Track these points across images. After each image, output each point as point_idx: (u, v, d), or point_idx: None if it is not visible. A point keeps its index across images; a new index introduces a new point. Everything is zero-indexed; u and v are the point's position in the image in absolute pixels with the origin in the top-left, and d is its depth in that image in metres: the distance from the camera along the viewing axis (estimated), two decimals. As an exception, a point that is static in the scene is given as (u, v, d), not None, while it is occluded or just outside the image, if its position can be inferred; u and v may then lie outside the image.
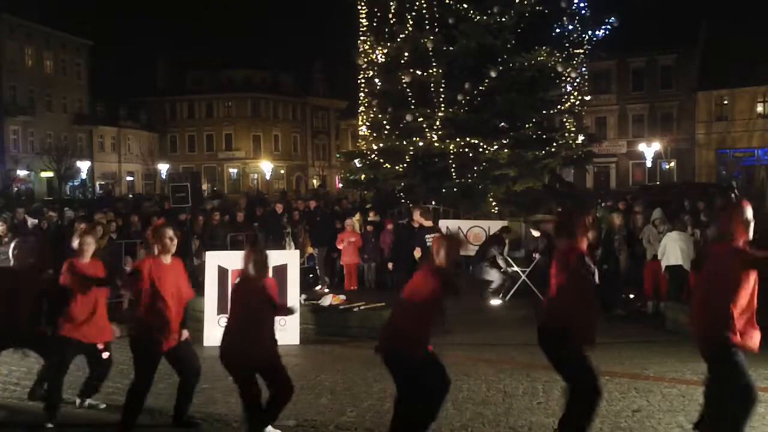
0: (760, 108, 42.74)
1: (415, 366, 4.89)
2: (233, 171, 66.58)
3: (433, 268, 5.04)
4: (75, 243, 6.01)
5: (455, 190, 16.31)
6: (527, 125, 16.73)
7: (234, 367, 5.29)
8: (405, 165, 17.01)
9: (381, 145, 17.59)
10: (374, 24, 17.51)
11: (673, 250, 10.50)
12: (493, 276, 12.09)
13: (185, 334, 5.59)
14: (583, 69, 18.02)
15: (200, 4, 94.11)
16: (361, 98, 18.49)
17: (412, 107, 16.68)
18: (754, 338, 4.49)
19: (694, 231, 11.07)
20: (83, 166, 51.06)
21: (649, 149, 41.68)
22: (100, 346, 6.06)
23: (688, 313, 5.18)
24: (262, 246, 5.74)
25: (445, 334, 5.84)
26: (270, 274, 6.01)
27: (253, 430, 5.26)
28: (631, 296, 11.50)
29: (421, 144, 16.71)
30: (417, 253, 10.28)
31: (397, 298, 5.28)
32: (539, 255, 12.03)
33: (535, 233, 12.70)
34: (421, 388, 4.92)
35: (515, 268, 12.51)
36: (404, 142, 16.89)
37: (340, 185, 34.80)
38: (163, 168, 57.70)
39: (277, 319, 8.96)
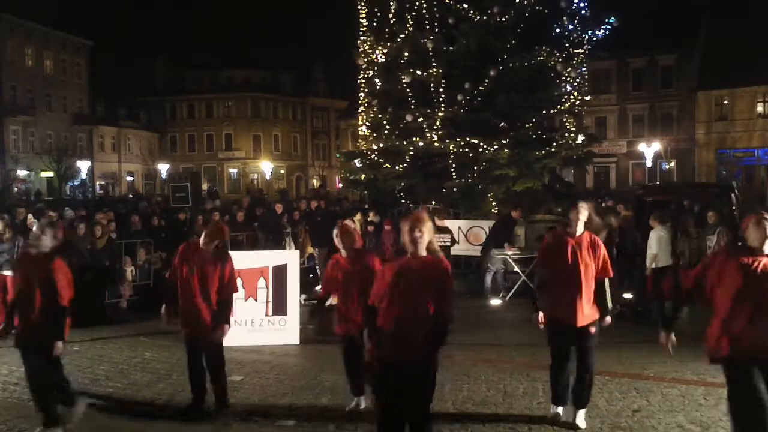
0: (760, 108, 42.73)
1: None
2: (233, 171, 66.62)
3: None
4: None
5: (455, 190, 16.30)
6: (527, 125, 16.72)
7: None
8: (405, 165, 16.99)
9: (381, 145, 17.58)
10: (374, 24, 17.48)
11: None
12: (496, 264, 12.41)
13: (58, 345, 5.54)
14: (583, 69, 17.99)
15: (200, 4, 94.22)
16: (361, 98, 18.45)
17: (412, 107, 16.66)
18: None
19: (698, 231, 11.07)
20: (83, 166, 51.13)
21: (649, 149, 41.65)
22: None
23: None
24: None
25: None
26: None
27: None
28: (629, 296, 11.48)
29: (421, 144, 16.69)
30: None
31: None
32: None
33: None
34: None
35: (516, 268, 12.53)
36: (404, 142, 16.88)
37: (340, 185, 34.76)
38: (163, 168, 57.72)
39: (276, 318, 9.13)
